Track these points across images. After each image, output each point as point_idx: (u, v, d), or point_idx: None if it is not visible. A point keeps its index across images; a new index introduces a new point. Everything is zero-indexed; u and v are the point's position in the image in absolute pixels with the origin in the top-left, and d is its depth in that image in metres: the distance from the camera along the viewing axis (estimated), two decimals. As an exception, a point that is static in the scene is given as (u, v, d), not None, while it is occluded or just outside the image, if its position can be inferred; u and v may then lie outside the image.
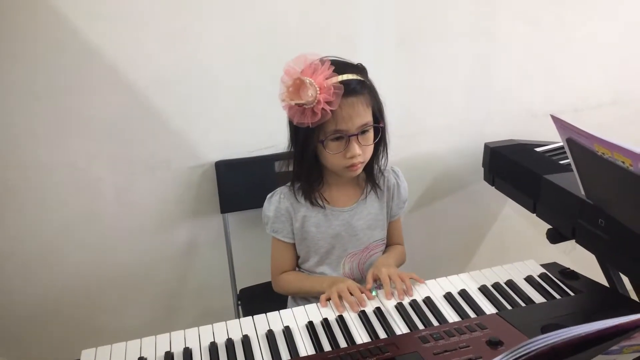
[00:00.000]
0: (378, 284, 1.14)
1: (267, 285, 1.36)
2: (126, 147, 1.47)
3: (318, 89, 1.03)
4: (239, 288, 1.61)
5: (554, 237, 1.28)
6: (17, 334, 1.58)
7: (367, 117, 1.11)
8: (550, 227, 1.30)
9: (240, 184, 1.53)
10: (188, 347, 0.94)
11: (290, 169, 1.21)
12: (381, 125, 1.15)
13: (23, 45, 1.30)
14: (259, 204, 1.27)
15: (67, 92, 1.37)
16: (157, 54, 1.40)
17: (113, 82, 1.39)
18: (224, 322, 1.01)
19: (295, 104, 1.05)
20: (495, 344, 0.87)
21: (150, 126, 1.46)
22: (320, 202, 1.21)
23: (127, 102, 1.42)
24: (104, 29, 1.34)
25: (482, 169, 1.69)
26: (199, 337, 0.97)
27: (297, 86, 1.05)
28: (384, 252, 1.31)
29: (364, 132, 1.11)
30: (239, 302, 1.59)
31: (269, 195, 1.25)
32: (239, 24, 1.43)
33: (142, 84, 1.41)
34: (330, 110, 1.04)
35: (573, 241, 1.19)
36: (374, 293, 1.09)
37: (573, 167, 1.03)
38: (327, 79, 1.04)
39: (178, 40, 1.40)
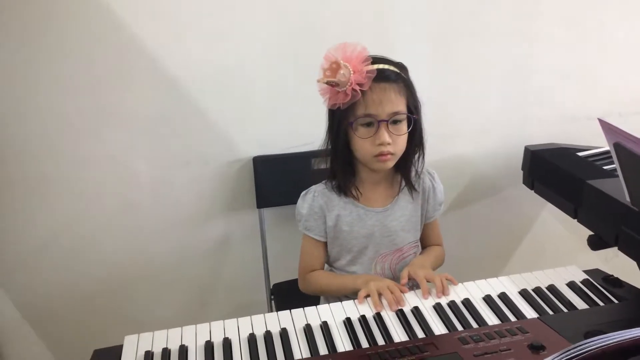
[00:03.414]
0: (412, 283, 1.14)
1: (301, 281, 1.36)
2: (164, 141, 1.50)
3: (352, 70, 1.05)
4: (272, 283, 1.63)
5: (596, 243, 1.25)
6: (53, 322, 1.62)
7: (399, 105, 1.11)
8: (591, 233, 1.28)
9: (277, 180, 1.54)
10: (227, 337, 0.96)
11: (326, 165, 1.22)
12: (414, 116, 1.14)
13: (68, 40, 1.34)
14: (295, 200, 1.27)
15: (108, 86, 1.40)
16: (197, 51, 1.42)
17: (153, 78, 1.42)
18: (262, 315, 1.02)
19: (327, 82, 1.07)
20: (537, 349, 0.85)
21: (189, 121, 1.49)
22: (354, 194, 1.21)
23: (166, 97, 1.45)
24: (148, 25, 1.37)
25: (521, 172, 1.66)
26: (237, 328, 0.99)
27: (333, 70, 1.07)
28: (421, 252, 1.30)
29: (395, 122, 1.11)
30: (272, 297, 1.61)
31: (303, 193, 1.26)
32: (277, 22, 1.45)
33: (182, 79, 1.44)
34: (361, 91, 1.06)
35: (615, 248, 1.16)
36: None
37: (619, 172, 1.01)
38: (362, 62, 1.06)
39: (218, 37, 1.42)
